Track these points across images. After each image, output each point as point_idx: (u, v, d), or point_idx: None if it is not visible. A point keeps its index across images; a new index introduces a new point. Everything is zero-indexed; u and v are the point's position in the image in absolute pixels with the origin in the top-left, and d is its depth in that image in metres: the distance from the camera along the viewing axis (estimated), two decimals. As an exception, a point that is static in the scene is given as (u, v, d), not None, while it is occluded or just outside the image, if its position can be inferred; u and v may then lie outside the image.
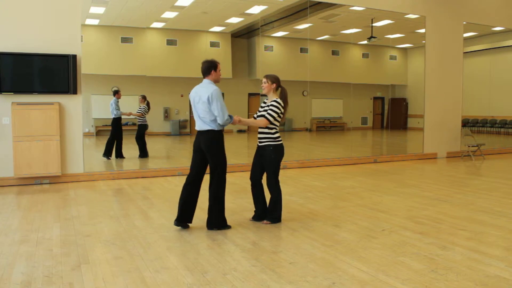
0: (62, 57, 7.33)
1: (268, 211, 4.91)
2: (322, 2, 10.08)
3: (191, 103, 4.65)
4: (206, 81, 4.58)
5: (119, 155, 9.65)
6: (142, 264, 3.64)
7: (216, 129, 4.52)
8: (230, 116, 4.52)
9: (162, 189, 7.01)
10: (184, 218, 4.64)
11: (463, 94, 11.66)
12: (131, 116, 10.08)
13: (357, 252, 3.94)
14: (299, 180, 7.93)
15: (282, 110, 4.76)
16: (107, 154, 9.53)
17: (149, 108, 10.02)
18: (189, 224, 4.71)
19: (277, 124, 4.79)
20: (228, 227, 4.67)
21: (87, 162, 7.86)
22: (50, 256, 3.85)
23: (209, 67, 4.55)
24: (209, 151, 4.56)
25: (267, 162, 4.79)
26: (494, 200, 6.16)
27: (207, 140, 4.53)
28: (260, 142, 4.83)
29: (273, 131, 4.78)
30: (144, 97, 9.95)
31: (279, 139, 4.81)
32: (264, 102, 4.89)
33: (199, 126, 4.58)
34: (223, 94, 4.65)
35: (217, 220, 4.62)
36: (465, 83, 11.90)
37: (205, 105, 4.46)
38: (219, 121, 4.48)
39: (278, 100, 4.75)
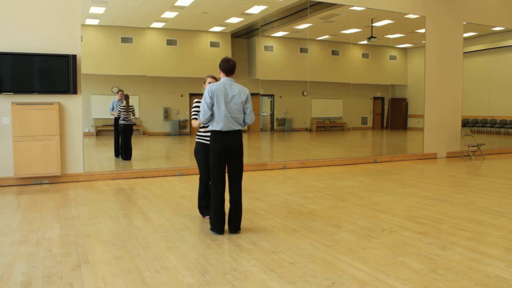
0: (62, 57, 7.34)
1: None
2: (322, 2, 10.07)
3: (215, 100, 4.33)
4: (231, 79, 4.47)
5: (117, 154, 9.69)
6: (142, 264, 3.64)
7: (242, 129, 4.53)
8: None
9: (162, 189, 7.01)
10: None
11: (463, 94, 11.66)
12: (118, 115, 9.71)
13: (357, 252, 3.94)
14: (299, 180, 7.93)
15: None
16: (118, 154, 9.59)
17: (127, 107, 9.58)
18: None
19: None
20: None
21: (87, 162, 7.87)
22: (50, 256, 3.85)
23: (235, 65, 4.47)
24: (241, 151, 4.52)
25: None
26: (494, 200, 6.17)
27: (240, 141, 4.50)
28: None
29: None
30: (125, 96, 9.64)
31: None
32: None
33: (229, 126, 4.36)
34: None
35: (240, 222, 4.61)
36: (465, 83, 11.90)
37: (241, 104, 4.41)
38: (250, 121, 4.50)
39: None
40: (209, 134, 4.93)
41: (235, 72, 4.50)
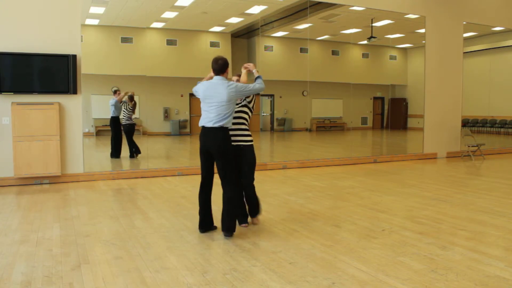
0: (62, 57, 7.34)
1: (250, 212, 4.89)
2: (322, 2, 10.07)
3: (202, 99, 4.44)
4: (222, 78, 4.40)
5: (118, 154, 9.73)
6: (142, 264, 3.64)
7: (229, 126, 4.38)
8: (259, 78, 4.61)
9: (162, 189, 7.01)
10: (206, 223, 4.56)
11: (463, 94, 11.66)
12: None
13: (357, 252, 3.94)
14: (299, 180, 7.93)
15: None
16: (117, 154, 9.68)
17: (133, 107, 9.89)
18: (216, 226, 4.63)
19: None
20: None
21: (87, 162, 7.86)
22: (50, 256, 3.85)
23: (225, 65, 4.42)
24: (221, 151, 4.34)
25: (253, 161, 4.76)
26: (494, 200, 6.17)
27: (220, 141, 4.32)
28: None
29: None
30: (131, 97, 9.92)
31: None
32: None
33: (207, 123, 4.33)
34: None
35: (232, 225, 4.41)
36: (465, 83, 11.90)
37: (221, 104, 4.29)
38: (260, 89, 4.51)
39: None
40: (233, 133, 4.59)
41: (227, 71, 4.46)
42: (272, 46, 14.11)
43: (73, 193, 6.69)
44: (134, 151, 9.79)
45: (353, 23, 12.64)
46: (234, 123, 4.58)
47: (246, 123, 4.68)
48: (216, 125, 4.30)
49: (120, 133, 9.76)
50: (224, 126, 4.33)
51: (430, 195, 6.52)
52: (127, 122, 9.75)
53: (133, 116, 9.80)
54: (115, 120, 9.70)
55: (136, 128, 10.10)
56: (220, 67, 4.41)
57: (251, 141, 4.68)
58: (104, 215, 5.32)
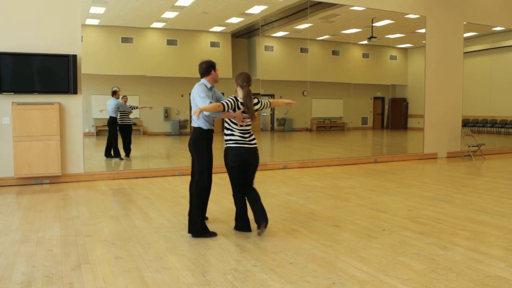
0: (62, 57, 7.34)
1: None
2: (322, 2, 10.07)
3: None
4: (203, 80, 4.54)
5: (118, 154, 9.75)
6: (142, 264, 3.64)
7: (203, 127, 4.45)
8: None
9: (162, 189, 7.01)
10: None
11: (463, 94, 11.66)
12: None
13: (357, 252, 3.94)
14: (299, 180, 7.93)
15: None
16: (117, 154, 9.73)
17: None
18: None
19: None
20: (212, 234, 4.42)
21: (87, 162, 7.87)
22: (50, 256, 3.85)
23: (209, 68, 4.51)
24: (192, 149, 4.52)
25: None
26: (494, 200, 6.16)
27: (192, 138, 4.52)
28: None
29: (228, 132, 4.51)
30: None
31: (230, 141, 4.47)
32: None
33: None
34: (222, 93, 4.69)
35: (193, 226, 4.42)
36: (465, 83, 11.89)
37: (193, 102, 4.48)
38: (203, 106, 4.29)
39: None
40: (228, 138, 4.51)
41: (212, 73, 4.51)
42: (272, 46, 14.10)
43: (73, 193, 6.69)
44: (128, 150, 9.87)
45: (353, 23, 12.64)
46: None
47: (227, 125, 4.49)
48: (193, 124, 4.54)
49: (117, 133, 9.78)
50: (197, 126, 4.48)
51: (430, 195, 6.52)
52: (128, 122, 9.82)
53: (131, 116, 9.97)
54: (114, 121, 9.72)
55: (134, 128, 10.20)
56: (202, 70, 4.55)
57: (226, 142, 4.51)
58: (104, 215, 5.33)
